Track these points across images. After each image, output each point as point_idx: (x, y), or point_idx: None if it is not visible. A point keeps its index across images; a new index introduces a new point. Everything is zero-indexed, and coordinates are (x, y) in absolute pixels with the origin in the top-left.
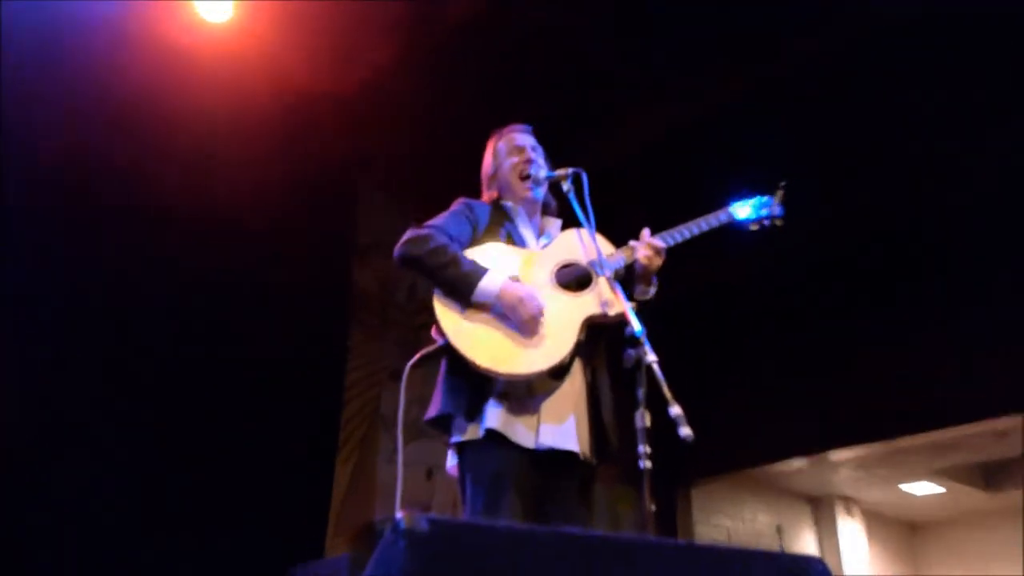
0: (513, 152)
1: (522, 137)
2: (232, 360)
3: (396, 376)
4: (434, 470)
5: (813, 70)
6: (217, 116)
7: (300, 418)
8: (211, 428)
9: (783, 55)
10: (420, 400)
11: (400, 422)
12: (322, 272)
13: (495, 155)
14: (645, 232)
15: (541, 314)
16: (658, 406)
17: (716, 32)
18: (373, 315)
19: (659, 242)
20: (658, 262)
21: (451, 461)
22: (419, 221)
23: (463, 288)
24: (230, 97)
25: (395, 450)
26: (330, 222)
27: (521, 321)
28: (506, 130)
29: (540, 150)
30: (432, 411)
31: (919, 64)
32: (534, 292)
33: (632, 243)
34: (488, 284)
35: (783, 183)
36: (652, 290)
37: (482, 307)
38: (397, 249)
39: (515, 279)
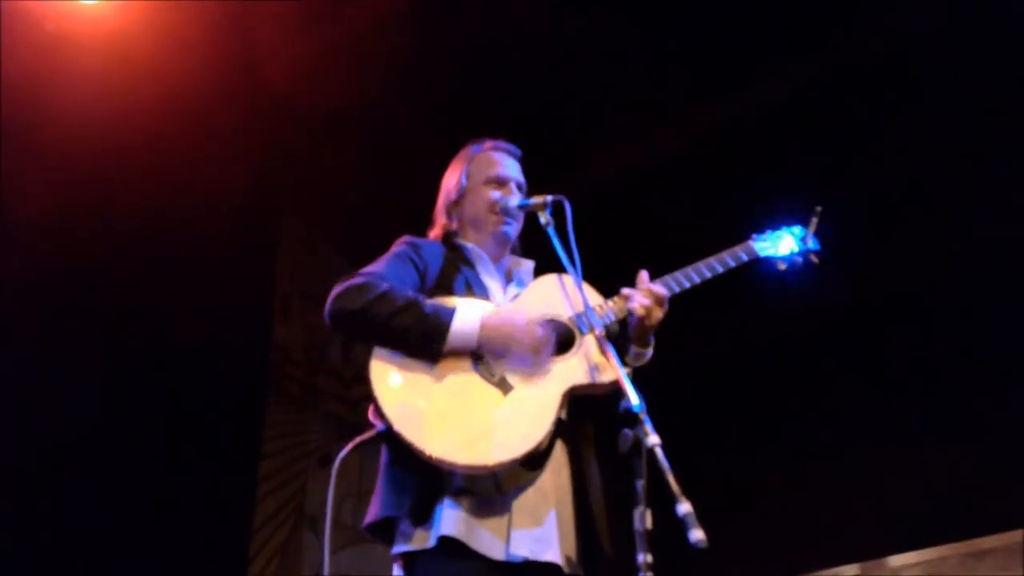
0: (492, 183)
1: (506, 164)
2: (112, 442)
3: (327, 463)
4: None
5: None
6: (94, 120)
7: (199, 519)
8: (84, 527)
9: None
10: (358, 494)
11: (328, 525)
12: (230, 326)
13: (465, 177)
14: (643, 276)
15: (548, 340)
16: (663, 502)
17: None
18: (297, 383)
19: (660, 289)
20: (658, 315)
21: None
22: (355, 265)
23: (430, 336)
24: (109, 97)
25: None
26: (241, 261)
27: (523, 356)
28: (486, 147)
29: (524, 185)
30: (370, 515)
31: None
32: (524, 316)
33: (625, 291)
34: (464, 323)
35: (818, 208)
36: (648, 352)
37: (450, 363)
38: (329, 307)
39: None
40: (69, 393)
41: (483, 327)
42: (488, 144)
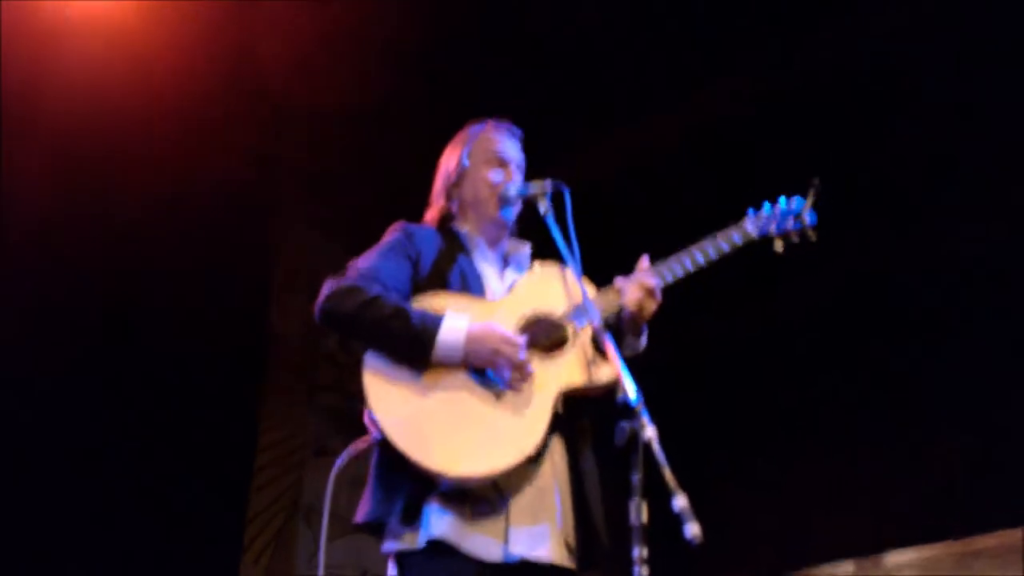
0: (493, 163)
1: (506, 144)
2: (104, 432)
3: (323, 453)
4: None
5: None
6: (86, 105)
7: (194, 510)
8: (75, 517)
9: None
10: (354, 482)
11: (326, 520)
12: (225, 314)
13: (465, 157)
14: (643, 262)
15: (527, 362)
16: (659, 495)
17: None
18: (294, 373)
19: (651, 281)
20: (651, 307)
21: (391, 572)
22: (353, 252)
23: (417, 345)
24: (100, 83)
25: (317, 550)
26: (237, 247)
27: (502, 372)
28: (488, 127)
29: (524, 166)
30: (360, 514)
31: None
32: (508, 333)
33: (618, 282)
34: (450, 334)
35: (815, 181)
36: (642, 342)
37: (441, 370)
38: (318, 307)
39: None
40: (59, 381)
41: (468, 339)
42: (489, 124)
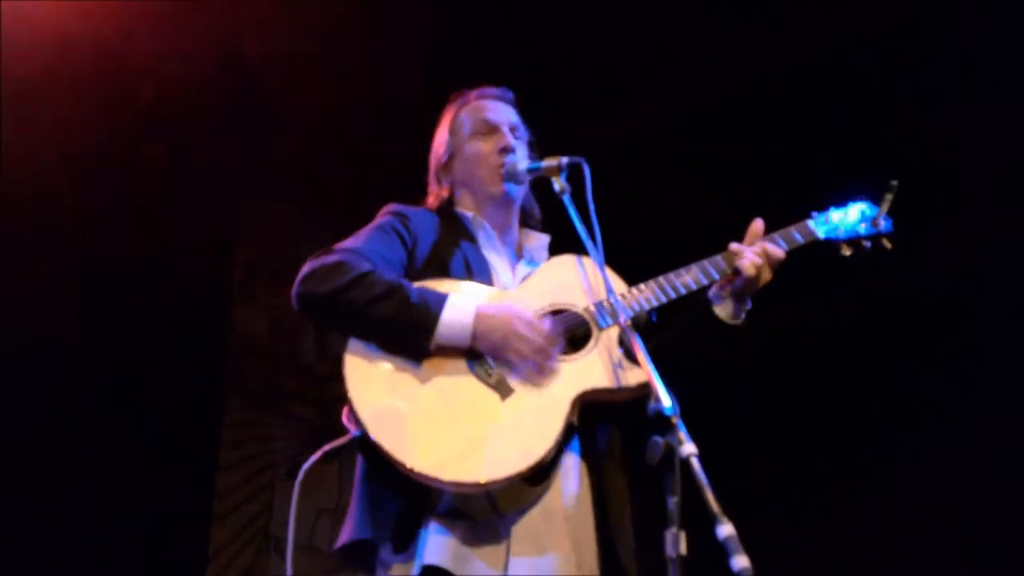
0: (482, 132)
1: (497, 109)
2: (41, 450)
3: (297, 475)
4: None
5: None
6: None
7: (144, 542)
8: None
9: None
10: (336, 511)
11: (290, 550)
12: (180, 309)
13: (453, 132)
14: (757, 226)
15: (556, 338)
16: (700, 522)
17: None
18: (260, 380)
19: (777, 251)
20: (767, 278)
21: None
22: (335, 237)
23: (415, 328)
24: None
25: None
26: (195, 229)
27: (524, 358)
28: (473, 95)
29: (524, 131)
30: (343, 536)
31: None
32: (529, 306)
33: (734, 246)
34: (456, 314)
35: (894, 183)
36: (742, 315)
37: (438, 360)
38: (296, 288)
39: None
40: None
41: (478, 320)
42: (473, 93)
